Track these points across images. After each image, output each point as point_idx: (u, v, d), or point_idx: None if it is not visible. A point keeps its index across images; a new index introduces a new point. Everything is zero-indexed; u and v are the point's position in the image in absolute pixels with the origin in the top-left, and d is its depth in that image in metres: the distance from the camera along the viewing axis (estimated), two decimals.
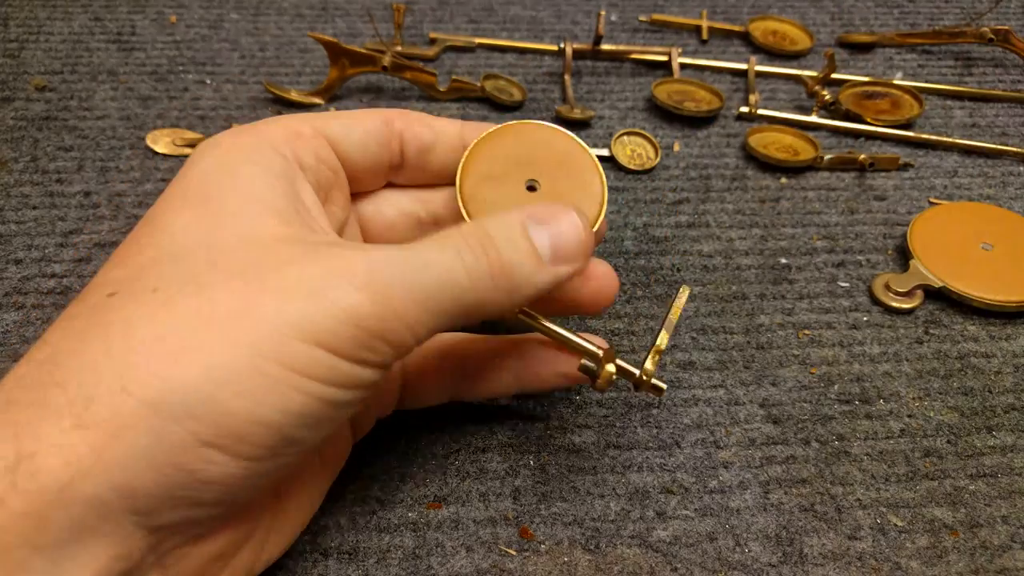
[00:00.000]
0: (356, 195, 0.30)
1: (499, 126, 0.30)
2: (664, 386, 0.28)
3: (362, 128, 0.28)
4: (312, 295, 0.20)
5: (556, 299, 0.28)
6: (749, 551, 0.28)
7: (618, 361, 0.27)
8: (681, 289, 0.29)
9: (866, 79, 0.50)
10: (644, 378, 0.27)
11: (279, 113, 0.40)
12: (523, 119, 0.31)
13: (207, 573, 0.22)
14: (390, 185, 0.31)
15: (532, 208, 0.25)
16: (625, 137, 0.45)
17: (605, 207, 0.29)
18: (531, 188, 0.29)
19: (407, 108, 0.47)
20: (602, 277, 0.28)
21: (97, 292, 0.22)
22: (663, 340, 0.28)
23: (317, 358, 0.20)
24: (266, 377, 0.19)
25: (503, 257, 0.24)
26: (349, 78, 0.47)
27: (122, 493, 0.19)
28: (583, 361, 0.27)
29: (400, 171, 0.29)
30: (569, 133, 0.31)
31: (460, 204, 0.29)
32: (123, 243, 0.24)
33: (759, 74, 0.52)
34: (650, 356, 0.27)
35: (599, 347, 0.27)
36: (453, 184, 0.29)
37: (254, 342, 0.20)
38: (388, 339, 0.21)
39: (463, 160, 0.29)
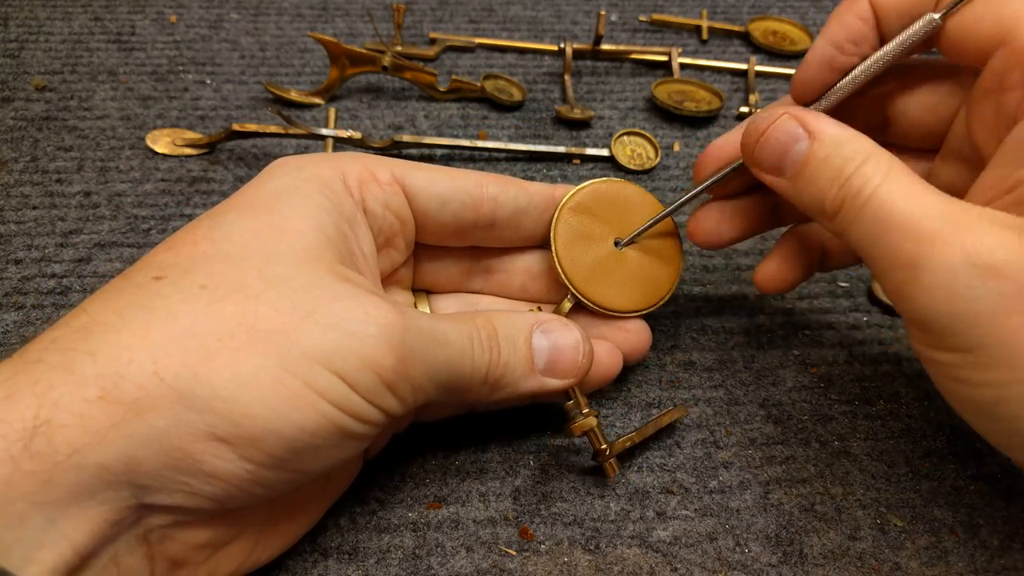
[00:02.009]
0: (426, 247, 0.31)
1: (586, 185, 0.32)
2: (615, 471, 0.28)
3: (447, 185, 0.29)
4: (347, 336, 0.22)
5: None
6: (749, 551, 0.28)
7: (596, 423, 0.28)
8: (678, 408, 0.31)
9: None
10: (607, 453, 0.28)
11: (279, 113, 0.40)
12: (607, 177, 0.33)
13: (189, 559, 0.23)
14: (473, 255, 0.32)
15: (544, 318, 0.28)
16: (625, 137, 0.45)
17: (678, 277, 0.32)
18: (617, 244, 0.32)
19: (407, 108, 0.47)
20: (638, 332, 0.31)
21: (144, 272, 0.22)
22: (641, 434, 0.30)
23: (337, 386, 0.21)
24: (287, 389, 0.21)
25: (502, 357, 0.26)
26: (349, 78, 0.47)
27: (129, 465, 0.20)
28: (570, 403, 0.28)
29: (491, 231, 0.30)
30: (649, 194, 0.33)
31: (558, 266, 0.31)
32: (180, 231, 0.24)
33: (759, 74, 0.52)
34: (622, 440, 0.29)
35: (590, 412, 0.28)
36: (540, 247, 0.32)
37: (284, 359, 0.21)
38: (396, 393, 0.23)
39: (555, 221, 0.31)
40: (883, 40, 0.26)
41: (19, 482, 0.18)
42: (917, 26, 0.25)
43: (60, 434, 0.19)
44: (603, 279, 0.31)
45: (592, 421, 0.28)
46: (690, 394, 0.33)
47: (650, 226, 0.31)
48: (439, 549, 0.28)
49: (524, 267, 0.32)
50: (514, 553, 0.28)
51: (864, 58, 0.26)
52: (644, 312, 0.32)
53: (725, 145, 0.30)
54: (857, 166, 0.23)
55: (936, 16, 0.25)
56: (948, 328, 0.22)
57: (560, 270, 0.30)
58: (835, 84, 0.27)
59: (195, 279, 0.22)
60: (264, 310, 0.21)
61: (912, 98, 0.28)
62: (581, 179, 0.44)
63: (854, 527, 0.29)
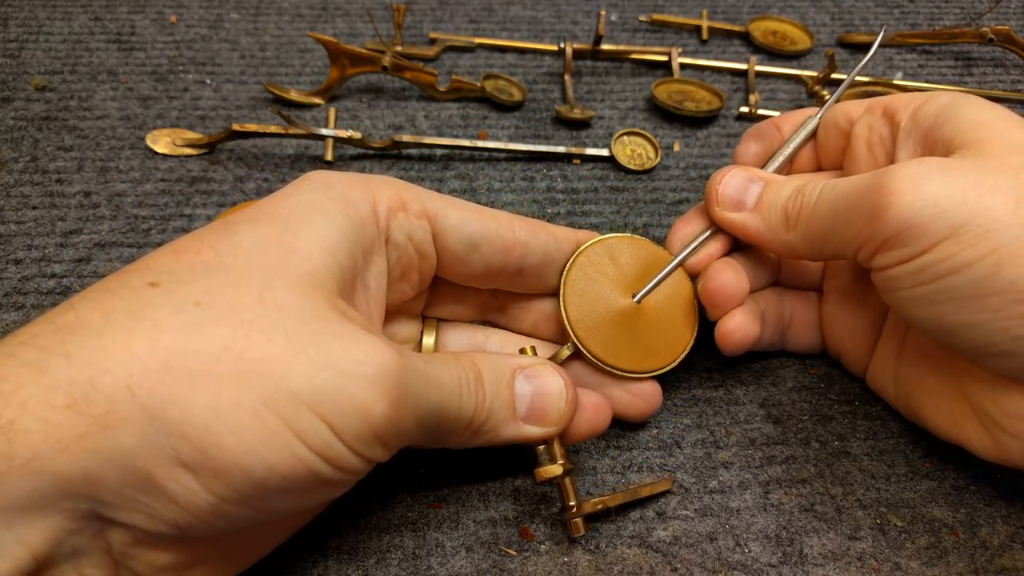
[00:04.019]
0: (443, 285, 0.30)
1: (611, 237, 0.31)
2: (581, 533, 0.27)
3: (479, 228, 0.28)
4: (341, 377, 0.21)
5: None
6: (749, 551, 0.28)
7: (568, 479, 0.27)
8: (662, 480, 0.29)
9: (866, 79, 0.50)
10: (574, 511, 0.27)
11: (279, 113, 0.40)
12: (634, 236, 0.32)
13: None
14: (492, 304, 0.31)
15: (528, 362, 0.27)
16: (625, 137, 0.45)
17: (691, 342, 0.31)
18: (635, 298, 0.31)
19: (407, 108, 0.47)
20: (648, 395, 0.31)
21: (140, 275, 0.22)
22: (615, 500, 0.28)
23: (319, 430, 0.21)
24: (266, 428, 0.20)
25: (486, 402, 0.26)
26: (349, 78, 0.47)
27: (89, 479, 0.19)
28: (542, 448, 0.27)
29: (516, 277, 0.30)
30: (661, 249, 0.32)
31: (562, 309, 0.30)
32: (191, 234, 0.24)
33: (759, 74, 0.52)
34: (592, 502, 0.27)
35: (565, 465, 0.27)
36: (549, 295, 0.31)
37: (267, 393, 0.20)
38: (382, 439, 0.22)
39: (570, 264, 0.30)
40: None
41: None
42: (803, 131, 0.33)
43: (21, 438, 0.18)
44: (611, 333, 0.30)
45: (557, 470, 0.27)
46: (690, 394, 0.33)
47: (660, 280, 0.31)
48: (439, 549, 0.28)
49: (540, 307, 0.32)
50: (514, 553, 0.28)
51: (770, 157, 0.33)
52: (647, 375, 0.30)
53: (687, 221, 0.33)
54: (804, 184, 0.29)
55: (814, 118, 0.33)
56: (925, 226, 0.24)
57: (564, 314, 0.30)
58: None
59: (190, 293, 0.21)
60: (256, 338, 0.20)
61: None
62: (581, 179, 0.44)
63: (854, 527, 0.29)
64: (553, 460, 0.27)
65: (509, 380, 0.26)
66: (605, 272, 0.31)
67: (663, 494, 0.30)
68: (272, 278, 0.22)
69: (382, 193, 0.26)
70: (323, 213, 0.24)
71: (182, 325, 0.20)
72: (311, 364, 0.21)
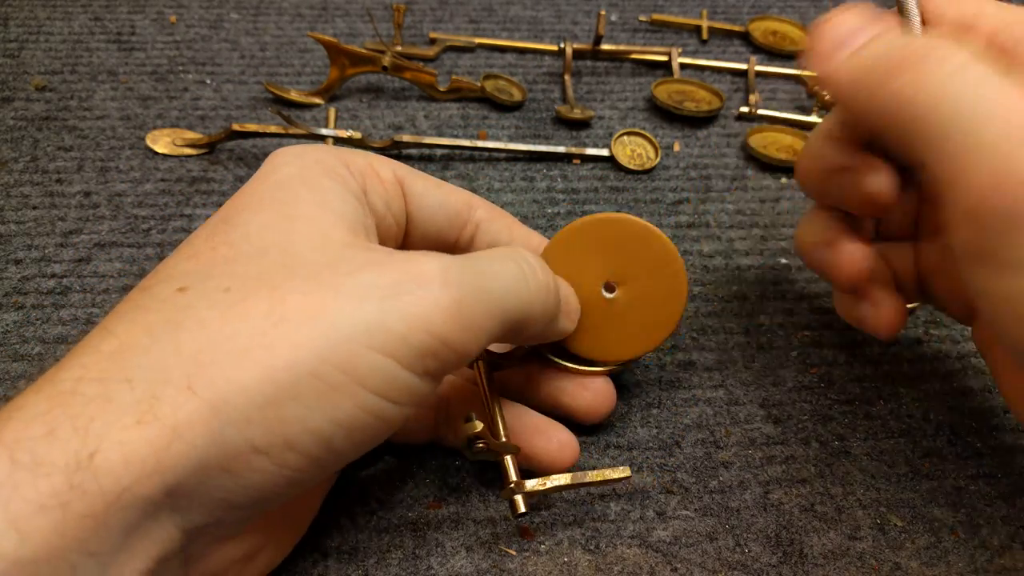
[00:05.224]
0: None
1: (575, 224, 0.29)
2: (522, 511, 0.26)
3: (439, 198, 0.27)
4: (386, 299, 0.20)
5: (557, 404, 0.30)
6: (749, 551, 0.28)
7: (510, 458, 0.27)
8: (619, 468, 0.28)
9: None
10: (512, 487, 0.26)
11: (279, 113, 0.40)
12: (603, 212, 0.30)
13: (228, 574, 0.22)
14: None
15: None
16: (625, 137, 0.45)
17: (685, 304, 0.29)
18: (609, 289, 0.29)
19: (407, 108, 0.47)
20: (600, 392, 0.30)
21: (167, 285, 0.21)
22: (558, 480, 0.27)
23: (379, 367, 0.20)
24: (325, 383, 0.20)
25: (552, 286, 0.25)
26: (349, 78, 0.47)
27: (170, 493, 0.19)
28: (480, 427, 0.25)
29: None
30: (649, 225, 0.29)
31: None
32: (194, 235, 0.24)
33: (759, 74, 0.52)
34: (534, 481, 0.27)
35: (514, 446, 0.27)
36: None
37: (320, 346, 0.20)
38: (454, 346, 0.21)
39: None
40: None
41: (72, 530, 0.17)
42: None
43: (106, 469, 0.18)
44: (581, 322, 0.29)
45: (478, 425, 0.25)
46: (690, 394, 0.33)
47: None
48: (439, 549, 0.28)
49: None
50: (514, 553, 0.28)
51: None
52: (608, 369, 0.29)
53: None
54: (926, 45, 0.21)
55: None
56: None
57: None
58: None
59: (218, 283, 0.21)
60: (292, 297, 0.20)
61: None
62: (581, 179, 0.44)
63: (854, 527, 0.29)
64: (497, 437, 0.27)
65: (547, 267, 0.26)
66: (576, 260, 0.29)
67: (620, 483, 0.29)
68: (288, 247, 0.22)
69: (352, 159, 0.26)
70: (307, 181, 0.24)
71: (220, 314, 0.20)
72: (350, 301, 0.20)
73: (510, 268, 0.24)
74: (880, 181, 0.25)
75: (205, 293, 0.21)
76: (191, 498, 0.19)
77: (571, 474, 0.27)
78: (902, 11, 0.25)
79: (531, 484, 0.27)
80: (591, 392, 0.30)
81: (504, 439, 0.27)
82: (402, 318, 0.20)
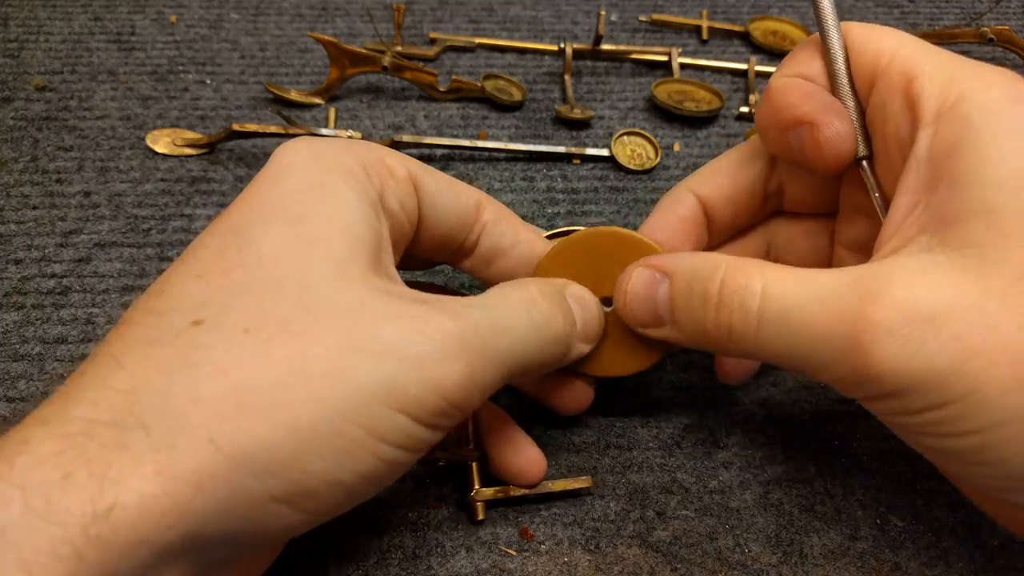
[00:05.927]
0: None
1: (574, 233, 0.29)
2: (481, 518, 0.28)
3: (451, 199, 0.27)
4: (404, 362, 0.21)
5: (535, 396, 0.30)
6: (749, 551, 0.28)
7: (476, 464, 0.28)
8: (584, 478, 0.29)
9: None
10: (473, 496, 0.28)
11: (279, 113, 0.40)
12: (599, 225, 0.31)
13: None
14: None
15: (561, 282, 0.27)
16: (625, 137, 0.45)
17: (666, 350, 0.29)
18: (608, 303, 0.28)
19: (407, 108, 0.47)
20: (580, 391, 0.30)
21: (179, 315, 0.21)
22: (519, 491, 0.28)
23: (397, 424, 0.21)
24: (346, 440, 0.20)
25: (563, 328, 0.25)
26: (349, 78, 0.47)
27: (189, 538, 0.19)
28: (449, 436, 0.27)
29: (467, 258, 0.29)
30: (644, 238, 0.28)
31: None
32: (201, 245, 0.22)
33: (759, 74, 0.52)
34: (495, 489, 0.28)
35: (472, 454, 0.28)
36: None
37: (342, 404, 0.20)
38: (463, 406, 0.22)
39: (537, 269, 0.29)
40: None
41: None
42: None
43: (122, 518, 0.17)
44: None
45: (469, 454, 0.27)
46: (690, 394, 0.33)
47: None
48: (439, 549, 0.28)
49: None
50: (514, 553, 0.28)
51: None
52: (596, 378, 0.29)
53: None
54: (722, 279, 0.24)
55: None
56: (912, 392, 0.21)
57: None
58: None
59: (237, 322, 0.20)
60: (314, 350, 0.20)
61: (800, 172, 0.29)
62: (581, 179, 0.44)
63: (854, 527, 0.29)
64: (465, 445, 0.28)
65: (564, 299, 0.26)
66: (575, 273, 0.28)
67: (581, 493, 0.29)
68: (304, 278, 0.21)
69: (368, 157, 0.25)
70: (326, 193, 0.23)
71: (241, 361, 0.20)
72: (370, 359, 0.20)
73: (523, 322, 0.24)
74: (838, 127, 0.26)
75: (223, 332, 0.20)
76: (208, 542, 0.19)
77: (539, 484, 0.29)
78: (826, 44, 0.27)
79: (490, 492, 0.28)
80: (571, 391, 0.30)
81: (471, 446, 0.28)
82: (420, 383, 0.21)
